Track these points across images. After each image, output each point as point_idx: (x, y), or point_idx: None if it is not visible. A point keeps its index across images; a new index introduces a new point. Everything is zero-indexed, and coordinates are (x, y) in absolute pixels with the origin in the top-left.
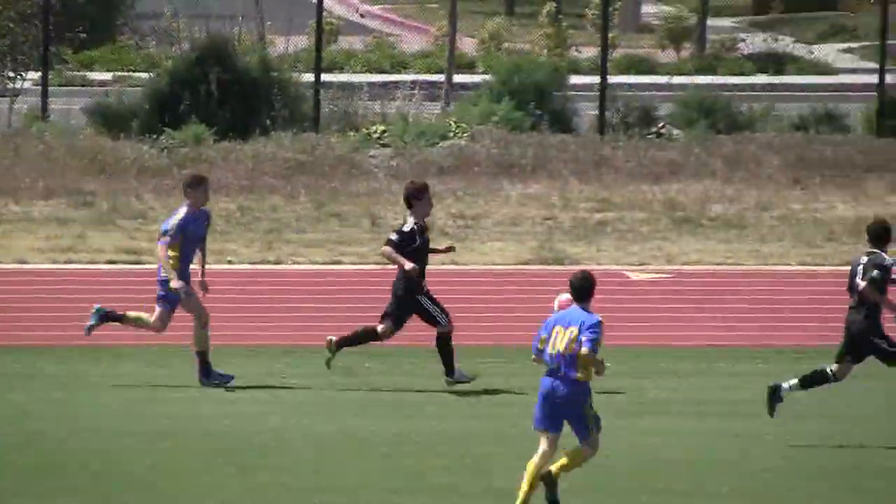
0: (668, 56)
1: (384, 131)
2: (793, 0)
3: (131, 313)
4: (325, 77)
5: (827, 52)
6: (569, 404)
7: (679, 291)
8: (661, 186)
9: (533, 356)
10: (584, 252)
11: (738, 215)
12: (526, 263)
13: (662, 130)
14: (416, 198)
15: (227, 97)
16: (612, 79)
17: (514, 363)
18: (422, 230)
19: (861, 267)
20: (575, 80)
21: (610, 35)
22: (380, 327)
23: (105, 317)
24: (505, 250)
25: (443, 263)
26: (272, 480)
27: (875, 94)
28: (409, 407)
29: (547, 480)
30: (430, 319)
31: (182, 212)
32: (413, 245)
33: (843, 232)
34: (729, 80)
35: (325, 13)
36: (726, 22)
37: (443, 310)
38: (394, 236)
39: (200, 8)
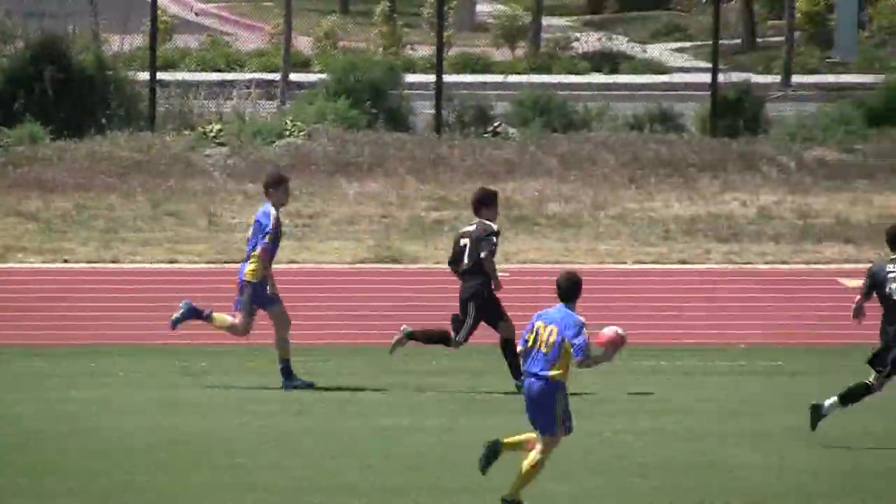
0: (503, 55)
1: (220, 130)
2: None
3: (217, 316)
4: (160, 76)
5: (660, 51)
6: (541, 401)
7: (515, 290)
8: (498, 185)
9: (519, 349)
10: (421, 251)
11: (574, 214)
12: (363, 262)
13: (498, 129)
14: (486, 203)
15: (62, 96)
16: (448, 77)
17: (354, 362)
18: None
19: (893, 276)
20: (411, 78)
21: (445, 34)
22: (502, 331)
23: (191, 312)
24: (342, 249)
25: (279, 263)
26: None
27: (708, 93)
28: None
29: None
30: (456, 326)
31: (272, 211)
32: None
33: (678, 231)
34: (564, 80)
35: (159, 11)
36: (561, 21)
37: (470, 333)
38: (494, 239)
39: (34, 6)
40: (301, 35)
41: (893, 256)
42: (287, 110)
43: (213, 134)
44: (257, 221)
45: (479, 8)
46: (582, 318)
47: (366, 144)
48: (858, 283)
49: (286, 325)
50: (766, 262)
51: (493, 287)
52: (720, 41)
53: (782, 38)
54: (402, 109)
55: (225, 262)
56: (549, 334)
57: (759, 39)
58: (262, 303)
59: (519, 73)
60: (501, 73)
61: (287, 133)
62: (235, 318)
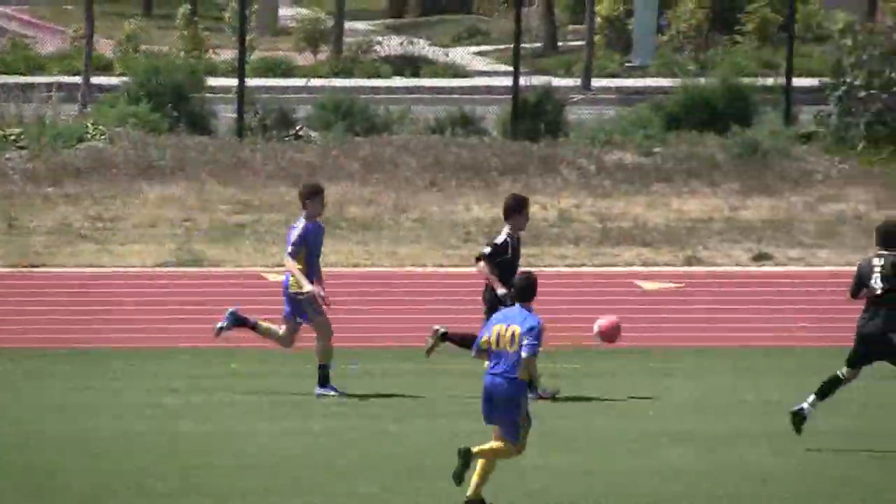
0: (305, 59)
1: (21, 133)
2: (428, 3)
3: (263, 324)
4: None
5: (462, 55)
6: (505, 402)
7: None
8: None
9: (473, 354)
10: (222, 254)
11: (375, 217)
12: (164, 265)
13: (300, 133)
14: (517, 211)
15: None
16: (250, 81)
17: (149, 364)
18: (515, 243)
19: (878, 271)
20: (213, 82)
21: (248, 37)
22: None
23: (237, 321)
24: (144, 252)
25: (78, 266)
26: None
27: (510, 96)
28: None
29: (465, 458)
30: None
31: (302, 223)
32: (504, 257)
33: (479, 233)
34: (366, 83)
35: None
36: (363, 25)
37: None
38: (487, 249)
39: None
40: (103, 38)
41: (881, 252)
42: (88, 114)
43: (13, 137)
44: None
45: (282, 12)
46: (541, 320)
47: (167, 148)
48: (656, 285)
49: (289, 340)
50: (567, 265)
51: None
52: (521, 45)
53: (583, 43)
54: (205, 113)
55: (24, 267)
56: (512, 335)
57: (559, 43)
58: (294, 311)
59: (321, 77)
60: (304, 76)
61: (88, 136)
62: (317, 338)
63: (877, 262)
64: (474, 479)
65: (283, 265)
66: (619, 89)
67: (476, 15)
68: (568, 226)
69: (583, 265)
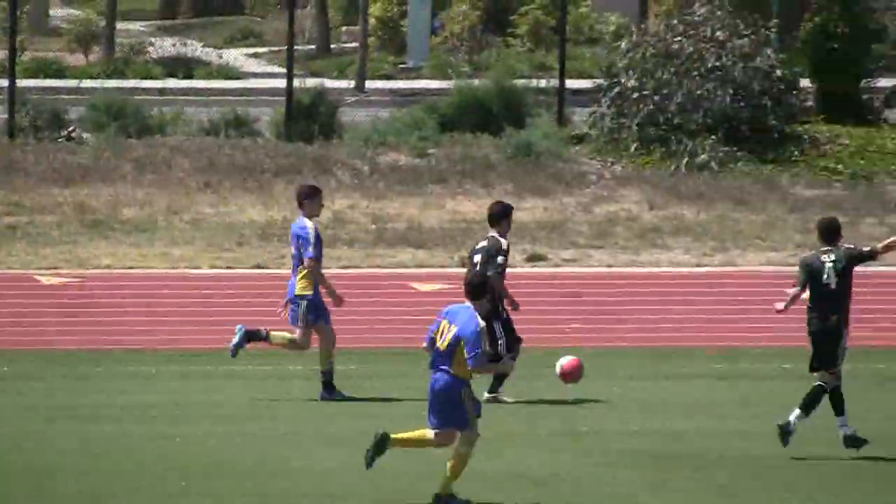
0: (77, 59)
1: None
2: (201, 4)
3: (276, 334)
4: None
5: (235, 56)
6: (446, 396)
7: (89, 295)
8: (72, 190)
9: (425, 344)
10: None
11: (148, 219)
12: None
13: (73, 134)
14: (505, 217)
15: None
16: (21, 82)
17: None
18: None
19: (831, 265)
20: None
21: (18, 38)
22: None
23: (249, 336)
24: None
25: None
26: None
27: (283, 98)
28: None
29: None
30: (492, 352)
31: (309, 223)
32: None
33: (253, 235)
34: (139, 84)
35: None
36: (135, 26)
37: (511, 346)
38: (501, 259)
39: None
40: None
41: (825, 248)
42: None
43: None
44: (297, 237)
45: (53, 12)
46: (482, 324)
47: None
48: (431, 287)
49: (332, 342)
50: (341, 267)
51: (507, 304)
52: (295, 47)
53: (357, 44)
54: None
55: None
56: (449, 333)
57: (333, 45)
58: (318, 315)
59: (93, 78)
60: (75, 77)
61: None
62: (295, 334)
63: (826, 257)
64: (444, 477)
65: (56, 268)
66: (393, 91)
67: (249, 16)
68: (342, 227)
69: (357, 267)
